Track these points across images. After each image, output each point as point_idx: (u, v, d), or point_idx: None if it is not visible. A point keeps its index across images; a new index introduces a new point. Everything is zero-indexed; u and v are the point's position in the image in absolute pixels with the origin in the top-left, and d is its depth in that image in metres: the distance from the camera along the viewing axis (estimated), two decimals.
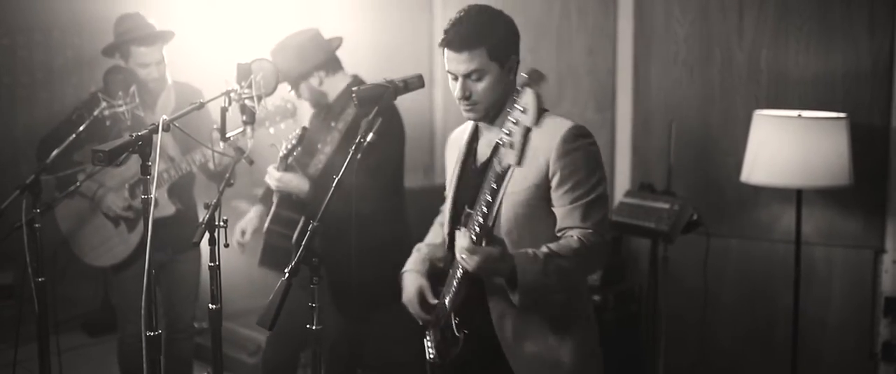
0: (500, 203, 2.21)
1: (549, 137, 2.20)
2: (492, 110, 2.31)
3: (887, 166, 3.60)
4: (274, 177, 3.22)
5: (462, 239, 2.14)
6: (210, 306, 2.53)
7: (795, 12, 3.71)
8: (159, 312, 3.83)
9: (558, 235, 2.24)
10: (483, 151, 2.38)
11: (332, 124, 3.33)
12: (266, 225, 3.36)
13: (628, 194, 3.83)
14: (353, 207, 2.36)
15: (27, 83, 5.55)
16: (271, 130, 3.35)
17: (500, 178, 2.05)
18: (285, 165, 3.21)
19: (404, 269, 2.60)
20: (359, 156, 2.22)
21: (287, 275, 2.17)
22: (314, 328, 2.27)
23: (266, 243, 3.38)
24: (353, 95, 2.25)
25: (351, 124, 3.28)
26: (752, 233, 3.89)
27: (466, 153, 2.44)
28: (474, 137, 2.44)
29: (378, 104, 2.24)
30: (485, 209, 2.11)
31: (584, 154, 2.21)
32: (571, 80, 4.37)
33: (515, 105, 1.85)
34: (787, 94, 3.76)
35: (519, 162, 1.84)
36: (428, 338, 2.49)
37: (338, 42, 3.42)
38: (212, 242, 2.45)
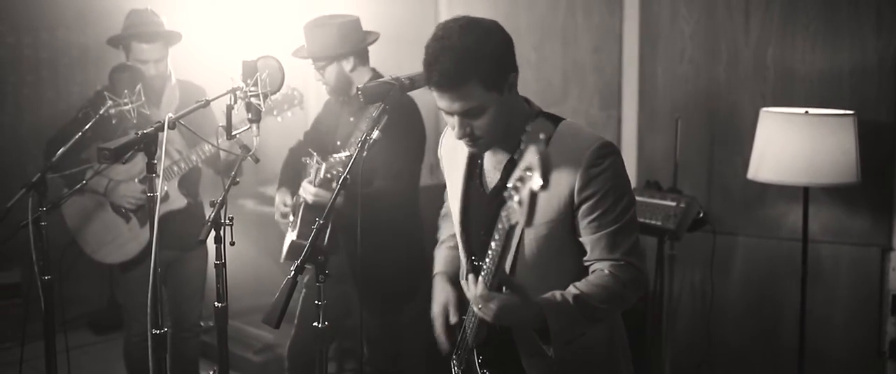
0: (519, 243, 2.01)
1: (571, 161, 1.95)
2: (500, 139, 2.07)
3: (894, 164, 3.58)
4: (309, 192, 3.17)
5: (475, 287, 1.93)
6: (216, 304, 2.53)
7: (802, 10, 3.70)
8: (165, 310, 3.84)
9: (587, 265, 2.04)
10: (491, 174, 2.15)
11: (351, 119, 3.32)
12: (296, 230, 3.35)
13: (634, 191, 3.82)
14: (359, 204, 2.36)
15: (32, 82, 5.56)
16: (279, 119, 3.35)
17: (508, 234, 1.75)
18: (321, 181, 3.14)
19: (435, 270, 2.41)
20: (365, 153, 2.20)
21: (292, 273, 2.16)
22: (320, 326, 2.27)
23: (292, 244, 3.37)
24: (358, 91, 2.25)
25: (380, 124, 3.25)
26: (759, 231, 3.88)
27: (469, 173, 2.20)
28: (476, 156, 2.19)
29: (383, 101, 2.23)
30: (497, 261, 1.83)
31: (611, 175, 1.96)
32: (577, 77, 4.36)
33: (521, 164, 1.57)
34: (793, 91, 3.74)
35: (528, 223, 1.58)
36: (454, 363, 2.31)
37: (375, 37, 3.39)
38: (217, 240, 2.45)
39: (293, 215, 3.40)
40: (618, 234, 1.98)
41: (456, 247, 2.34)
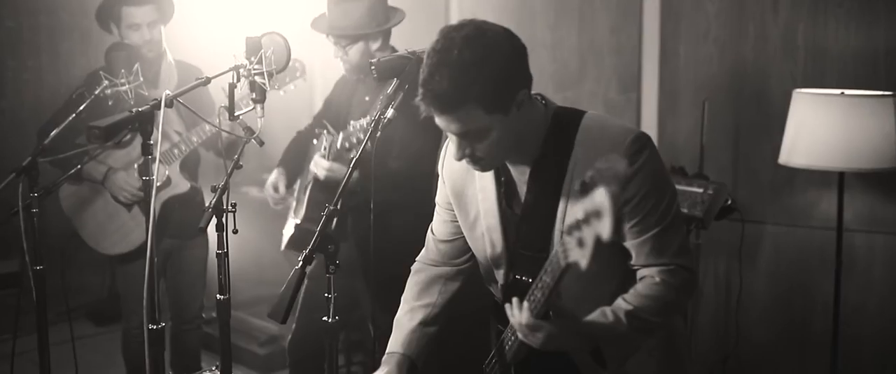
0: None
1: (599, 182, 1.85)
2: (510, 156, 1.89)
3: None
4: (322, 167, 2.99)
5: (519, 313, 1.74)
6: (218, 296, 2.36)
7: None
8: (166, 302, 3.70)
9: (633, 269, 1.89)
10: (519, 190, 1.95)
11: (366, 99, 3.14)
12: (302, 213, 3.16)
13: None
14: (371, 188, 2.19)
15: (33, 67, 5.47)
16: (281, 93, 3.18)
17: (564, 271, 1.58)
18: (336, 153, 2.95)
19: (391, 347, 2.14)
20: (379, 133, 2.03)
21: (300, 264, 2.01)
22: (330, 320, 2.10)
23: (298, 228, 3.18)
24: (372, 66, 2.08)
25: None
26: (788, 219, 3.70)
27: (499, 193, 1.97)
28: (501, 171, 1.96)
29: (398, 77, 2.06)
30: (547, 293, 1.67)
31: (650, 172, 1.79)
32: (594, 59, 4.19)
33: (587, 203, 1.39)
34: (825, 72, 3.56)
35: (589, 266, 1.43)
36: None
37: (401, 16, 3.20)
38: (219, 227, 2.29)
39: (297, 200, 3.22)
40: (664, 235, 1.82)
41: (429, 323, 2.15)
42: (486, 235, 2.02)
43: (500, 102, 1.74)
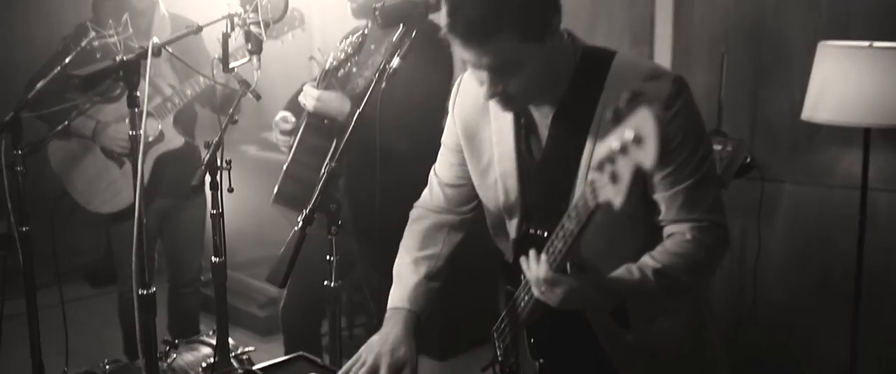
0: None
1: (639, 105, 1.63)
2: (541, 94, 1.73)
3: None
4: (311, 96, 2.78)
5: (535, 267, 1.57)
6: (213, 259, 2.23)
7: None
8: (162, 263, 3.59)
9: (661, 225, 1.73)
10: (539, 135, 1.80)
11: (372, 47, 2.96)
12: (289, 156, 2.98)
13: None
14: (377, 143, 2.04)
15: (24, 22, 5.29)
16: (280, 43, 3.01)
17: (591, 215, 1.40)
18: (327, 83, 2.76)
19: (392, 302, 1.97)
20: (384, 84, 1.88)
21: (300, 224, 1.87)
22: (332, 285, 1.98)
23: (286, 176, 3.00)
24: (376, 11, 1.92)
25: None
26: (808, 177, 3.56)
27: (518, 136, 1.82)
28: (520, 112, 1.81)
29: (404, 23, 1.91)
30: (570, 242, 1.48)
31: (685, 118, 1.64)
32: (605, 11, 4.02)
33: (624, 128, 1.21)
34: (849, 23, 3.39)
35: (624, 204, 1.25)
36: (497, 338, 1.99)
37: None
38: (214, 186, 2.15)
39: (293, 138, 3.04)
40: (697, 189, 1.67)
41: (434, 277, 1.99)
42: (499, 181, 1.87)
43: (535, 29, 1.59)
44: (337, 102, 2.80)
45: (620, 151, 1.20)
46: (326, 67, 2.71)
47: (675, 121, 1.61)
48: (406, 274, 2.00)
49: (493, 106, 1.78)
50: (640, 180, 1.21)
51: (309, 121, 2.89)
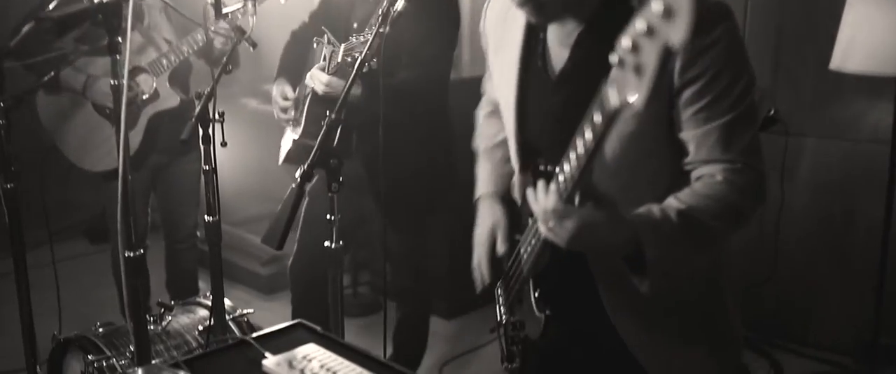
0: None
1: (672, 26, 1.42)
2: (573, 9, 1.57)
3: None
4: (320, 81, 2.65)
5: (543, 198, 1.41)
6: (206, 218, 2.09)
7: None
8: (157, 219, 3.46)
9: (688, 169, 1.54)
10: (557, 53, 1.63)
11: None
12: (300, 129, 2.85)
13: None
14: (379, 97, 1.90)
15: None
16: (282, 0, 2.84)
17: (608, 124, 1.22)
18: (336, 67, 2.62)
19: (479, 191, 1.89)
20: (387, 28, 1.73)
21: (298, 180, 1.74)
22: (333, 246, 1.85)
23: (296, 145, 2.88)
24: None
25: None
26: (834, 131, 3.40)
27: (527, 51, 1.68)
28: (536, 28, 1.67)
29: None
30: (583, 163, 1.31)
31: (725, 47, 1.45)
32: None
33: (645, 21, 1.05)
34: None
35: (645, 99, 1.08)
36: (499, 294, 1.88)
37: None
38: (206, 140, 2.00)
39: (295, 110, 2.91)
40: (733, 126, 1.47)
41: (506, 159, 1.83)
42: (502, 107, 1.75)
43: None
44: (338, 83, 2.66)
45: (646, 32, 1.04)
46: (339, 59, 2.55)
47: (712, 50, 1.43)
48: (483, 163, 1.96)
49: (515, 27, 1.66)
50: (667, 75, 1.03)
51: (315, 93, 2.74)
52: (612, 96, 1.15)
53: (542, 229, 1.43)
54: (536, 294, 1.68)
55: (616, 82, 1.13)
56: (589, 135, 1.26)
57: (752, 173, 1.50)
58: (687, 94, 1.46)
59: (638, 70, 1.06)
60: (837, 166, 3.42)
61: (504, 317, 1.83)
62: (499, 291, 1.84)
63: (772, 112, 3.10)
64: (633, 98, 1.09)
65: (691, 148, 1.51)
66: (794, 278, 3.59)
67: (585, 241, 1.40)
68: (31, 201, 2.73)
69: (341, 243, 1.87)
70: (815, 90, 3.40)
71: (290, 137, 2.91)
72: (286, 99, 2.90)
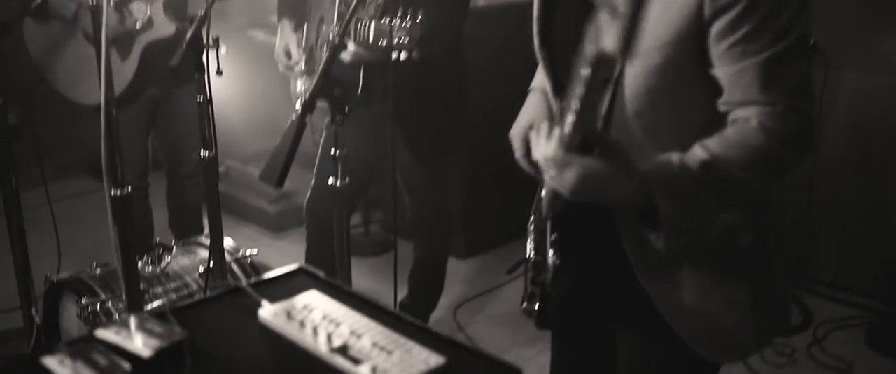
0: (619, 76, 1.36)
1: None
2: None
3: None
4: (348, 50, 2.50)
5: (545, 143, 1.27)
6: (202, 153, 1.94)
7: None
8: (159, 155, 3.32)
9: (723, 111, 1.35)
10: None
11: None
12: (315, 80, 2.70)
13: None
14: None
15: None
16: None
17: (596, 69, 1.12)
18: (363, 44, 2.46)
19: (532, 85, 1.69)
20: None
21: (299, 112, 1.59)
22: (338, 184, 1.70)
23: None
24: None
25: None
26: (870, 64, 3.23)
27: None
28: None
29: None
30: (579, 108, 1.19)
31: None
32: None
33: None
34: None
35: (625, 53, 1.00)
36: (530, 229, 1.67)
37: None
38: (199, 68, 1.84)
39: (308, 61, 2.74)
40: (777, 62, 1.27)
41: None
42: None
43: None
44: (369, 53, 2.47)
45: None
46: (369, 38, 2.36)
47: None
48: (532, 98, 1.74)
49: None
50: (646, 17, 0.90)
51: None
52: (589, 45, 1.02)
53: (546, 177, 1.28)
54: (553, 238, 1.53)
55: (594, 26, 1.01)
56: (578, 84, 1.12)
57: (795, 118, 1.30)
58: (719, 24, 1.27)
59: (614, 13, 0.95)
60: (873, 101, 3.26)
61: (531, 253, 1.67)
62: (530, 228, 1.67)
63: (811, 42, 2.90)
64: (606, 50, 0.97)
65: (726, 87, 1.32)
66: (826, 221, 3.45)
67: (589, 192, 1.26)
68: (29, 138, 2.61)
69: (347, 180, 1.72)
70: (851, 21, 3.23)
71: (300, 86, 2.75)
72: (290, 55, 2.75)
